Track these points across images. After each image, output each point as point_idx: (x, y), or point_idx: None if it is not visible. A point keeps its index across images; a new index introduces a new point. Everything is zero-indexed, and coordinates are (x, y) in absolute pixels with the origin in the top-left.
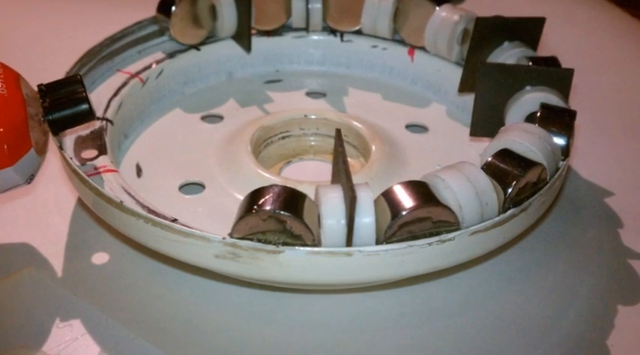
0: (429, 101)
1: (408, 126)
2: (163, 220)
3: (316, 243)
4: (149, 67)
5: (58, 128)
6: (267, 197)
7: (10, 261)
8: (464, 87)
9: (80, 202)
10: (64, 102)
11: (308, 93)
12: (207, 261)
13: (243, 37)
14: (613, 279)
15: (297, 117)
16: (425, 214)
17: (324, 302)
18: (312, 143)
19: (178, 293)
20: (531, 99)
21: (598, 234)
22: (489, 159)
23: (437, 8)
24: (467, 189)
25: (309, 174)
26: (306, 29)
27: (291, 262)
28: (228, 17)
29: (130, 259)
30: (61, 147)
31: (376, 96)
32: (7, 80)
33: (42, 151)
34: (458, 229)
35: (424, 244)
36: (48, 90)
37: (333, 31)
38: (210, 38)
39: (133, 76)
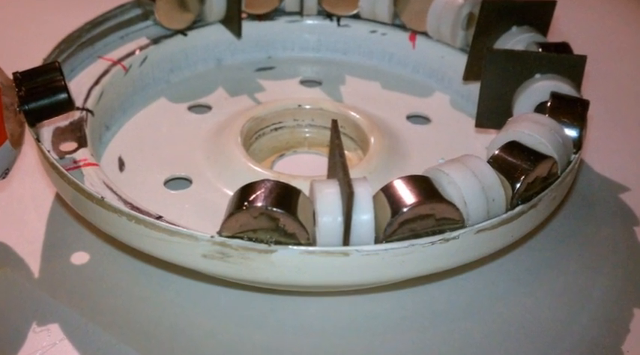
0: (431, 90)
1: (409, 117)
2: (147, 217)
3: (311, 241)
4: (132, 53)
5: (35, 119)
6: (258, 192)
7: None
8: (469, 75)
9: (58, 198)
10: (41, 91)
11: (302, 82)
12: (194, 261)
13: (232, 21)
14: (628, 281)
15: (290, 107)
16: (427, 211)
17: (320, 305)
18: (307, 135)
19: (163, 296)
20: (541, 87)
21: (612, 232)
22: (496, 152)
23: None
24: (472, 184)
25: (303, 168)
26: (300, 13)
27: (284, 262)
28: (217, 0)
29: (111, 259)
30: (38, 139)
31: (375, 84)
32: None
33: (18, 143)
34: (463, 227)
35: (426, 243)
36: (24, 79)
37: (329, 15)
38: (198, 22)
39: (115, 63)
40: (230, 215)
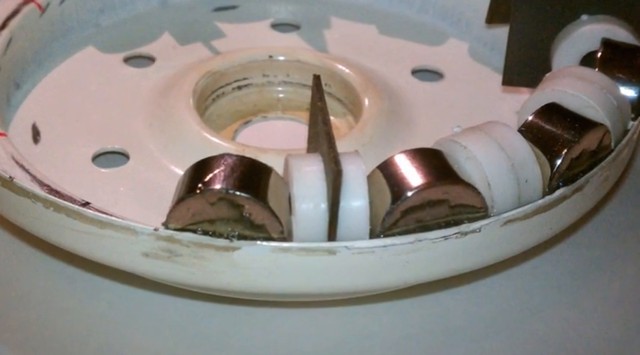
0: (444, 36)
1: (415, 72)
2: (70, 204)
3: (286, 235)
4: None
5: None
6: (216, 171)
7: None
8: (494, 16)
9: None
10: None
11: (274, 26)
12: (132, 262)
13: None
14: None
15: (258, 58)
16: (439, 195)
17: (298, 320)
18: (280, 95)
19: (92, 307)
20: (589, 33)
21: None
22: (530, 118)
23: None
24: (498, 161)
25: (275, 140)
26: None
27: (251, 263)
28: None
29: (22, 259)
30: None
31: (370, 29)
32: None
33: None
34: (486, 217)
35: (438, 238)
36: None
37: None
38: None
39: (27, 1)
40: (179, 201)
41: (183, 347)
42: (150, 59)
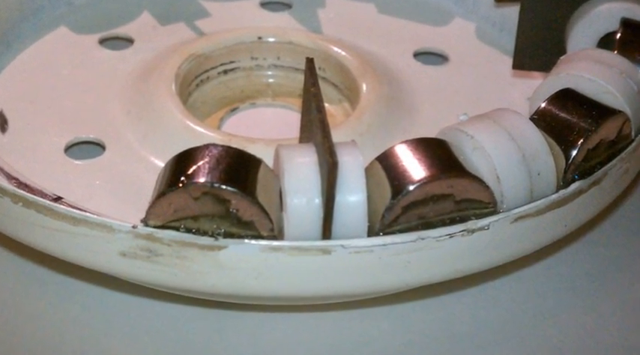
0: (449, 15)
1: (417, 55)
2: (40, 198)
3: (276, 233)
4: None
5: None
6: (200, 163)
7: None
8: None
9: None
10: None
11: (264, 4)
12: (108, 262)
13: None
14: None
15: (246, 40)
16: (444, 189)
17: (290, 325)
18: (270, 80)
19: (64, 312)
20: (607, 12)
21: None
22: (543, 104)
23: None
24: (508, 152)
25: (264, 129)
26: None
27: (238, 263)
28: None
29: None
30: None
31: (368, 7)
32: None
33: None
34: (494, 212)
35: (442, 236)
36: None
37: None
38: None
39: None
40: (160, 195)
41: (165, 353)
42: (128, 41)
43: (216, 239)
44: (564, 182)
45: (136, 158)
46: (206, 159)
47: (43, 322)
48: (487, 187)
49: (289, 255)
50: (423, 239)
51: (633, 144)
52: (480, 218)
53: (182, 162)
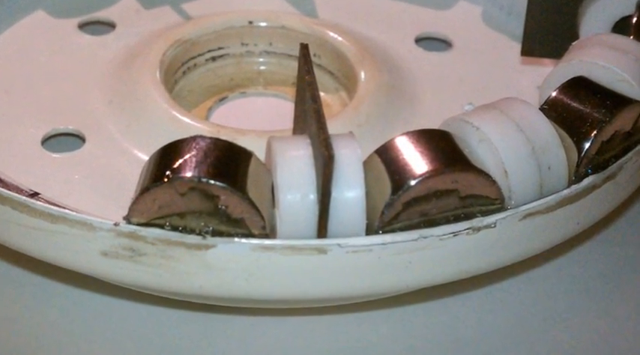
0: None
1: (419, 40)
2: (16, 194)
3: (268, 232)
4: None
5: None
6: (187, 156)
7: None
8: None
9: None
10: None
11: None
12: (88, 262)
13: None
14: None
15: (236, 24)
16: (448, 184)
17: (283, 330)
18: (262, 68)
19: (42, 315)
20: None
21: None
22: (554, 93)
23: None
24: (516, 144)
25: (255, 119)
26: None
27: (227, 263)
28: None
29: None
30: None
31: None
32: None
33: None
34: (502, 209)
35: (446, 234)
36: None
37: None
38: None
39: None
40: (144, 191)
41: None
42: (109, 25)
43: (204, 237)
44: (576, 176)
45: (118, 151)
46: (193, 152)
47: (19, 326)
48: (494, 182)
49: (282, 254)
50: (425, 237)
51: None
52: (487, 215)
53: (167, 155)
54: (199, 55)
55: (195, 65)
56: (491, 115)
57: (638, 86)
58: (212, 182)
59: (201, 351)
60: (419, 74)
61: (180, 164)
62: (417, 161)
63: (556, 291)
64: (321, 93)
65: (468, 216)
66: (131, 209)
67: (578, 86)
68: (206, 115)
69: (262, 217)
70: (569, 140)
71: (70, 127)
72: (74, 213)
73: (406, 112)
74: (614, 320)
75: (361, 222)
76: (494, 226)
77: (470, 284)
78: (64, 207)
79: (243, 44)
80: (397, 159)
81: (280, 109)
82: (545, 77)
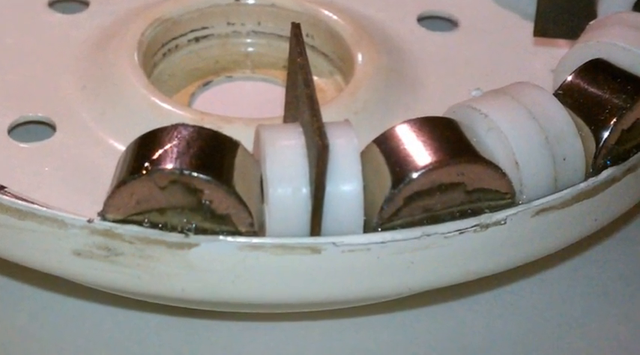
0: None
1: (421, 19)
2: None
3: (257, 229)
4: None
5: None
6: (167, 147)
7: None
8: None
9: None
10: None
11: None
12: (60, 263)
13: None
14: None
15: (222, 2)
16: (453, 177)
17: (273, 336)
18: (249, 49)
19: (9, 320)
20: None
21: None
22: (569, 78)
23: None
24: (528, 133)
25: (243, 106)
26: None
27: (212, 264)
28: None
29: None
30: None
31: None
32: None
33: None
34: (512, 204)
35: (452, 231)
36: None
37: None
38: None
39: None
40: (120, 184)
41: None
42: (82, 3)
43: (187, 235)
44: (594, 168)
45: (92, 140)
46: (174, 142)
47: None
48: (504, 175)
49: (272, 254)
50: (428, 235)
51: None
52: (496, 211)
53: (146, 145)
54: (181, 35)
55: (176, 46)
56: (501, 101)
57: None
58: (195, 174)
59: None
60: (421, 56)
61: (160, 155)
62: (419, 151)
63: (572, 294)
64: (315, 78)
65: (475, 212)
66: (106, 204)
67: (596, 69)
68: (189, 101)
69: (250, 213)
70: (586, 128)
71: (40, 115)
72: (44, 209)
73: (408, 98)
74: (636, 326)
75: (358, 218)
76: (504, 223)
77: (477, 287)
78: (33, 202)
79: (229, 24)
80: (398, 149)
81: (270, 95)
82: (560, 60)
